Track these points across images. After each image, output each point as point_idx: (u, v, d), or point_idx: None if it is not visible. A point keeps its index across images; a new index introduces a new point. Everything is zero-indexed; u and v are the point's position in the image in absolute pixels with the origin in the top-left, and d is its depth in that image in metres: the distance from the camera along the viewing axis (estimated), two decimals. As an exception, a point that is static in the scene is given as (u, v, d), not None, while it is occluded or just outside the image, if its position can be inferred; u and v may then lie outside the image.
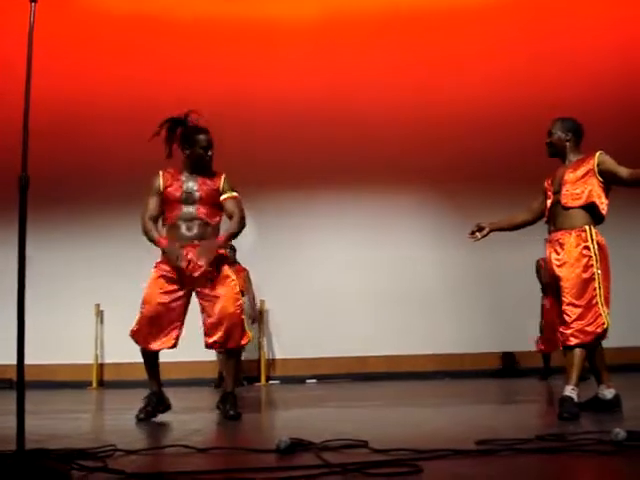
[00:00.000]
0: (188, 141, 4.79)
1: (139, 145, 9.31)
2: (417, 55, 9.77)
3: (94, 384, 9.52)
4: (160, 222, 4.89)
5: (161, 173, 4.83)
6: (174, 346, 4.82)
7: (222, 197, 4.78)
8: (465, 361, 9.31)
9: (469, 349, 9.32)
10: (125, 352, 9.26)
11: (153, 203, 4.80)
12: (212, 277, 4.68)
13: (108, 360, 9.70)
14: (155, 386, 4.92)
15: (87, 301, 9.50)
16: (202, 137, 4.78)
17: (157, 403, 4.90)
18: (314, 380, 9.17)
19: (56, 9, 8.46)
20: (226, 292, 4.69)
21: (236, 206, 4.80)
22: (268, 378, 9.49)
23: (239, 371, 5.68)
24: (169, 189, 4.77)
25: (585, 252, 4.34)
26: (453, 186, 9.62)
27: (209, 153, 4.78)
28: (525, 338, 8.79)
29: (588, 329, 4.26)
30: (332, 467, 2.54)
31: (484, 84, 9.64)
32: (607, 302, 4.31)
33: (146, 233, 4.82)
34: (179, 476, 2.44)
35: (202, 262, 4.60)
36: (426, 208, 9.86)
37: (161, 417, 4.86)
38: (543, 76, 9.52)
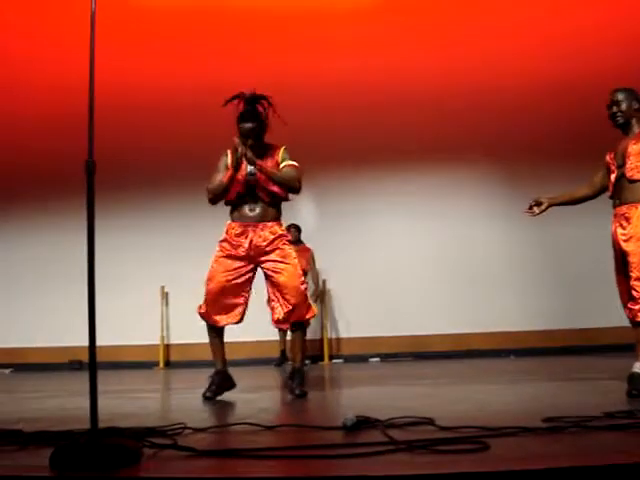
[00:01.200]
0: (237, 117, 4.85)
1: (202, 134, 9.59)
2: (466, 27, 9.61)
3: (161, 364, 9.70)
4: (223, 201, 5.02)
5: (228, 152, 4.90)
6: (240, 321, 4.98)
7: (280, 166, 4.84)
8: (530, 339, 9.20)
9: (535, 326, 9.21)
10: (190, 333, 9.52)
11: (217, 177, 4.91)
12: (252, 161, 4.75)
13: (174, 341, 9.87)
14: (220, 365, 5.04)
15: (153, 284, 9.67)
16: (244, 110, 4.84)
17: (222, 381, 5.00)
18: (377, 359, 9.18)
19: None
20: (289, 267, 4.82)
21: (294, 170, 4.87)
22: (331, 357, 9.53)
23: (306, 347, 5.95)
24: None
25: (653, 225, 4.24)
26: (514, 159, 9.50)
27: (247, 125, 4.79)
28: (597, 314, 8.71)
29: (658, 304, 4.17)
30: (398, 444, 2.56)
31: (536, 56, 9.45)
32: None
33: (214, 187, 4.93)
34: (248, 452, 2.48)
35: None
36: (488, 183, 9.74)
37: (227, 396, 4.94)
38: (589, 48, 9.30)
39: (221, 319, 4.96)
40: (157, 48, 9.73)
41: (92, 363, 2.56)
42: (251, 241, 4.83)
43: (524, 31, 9.51)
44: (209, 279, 4.95)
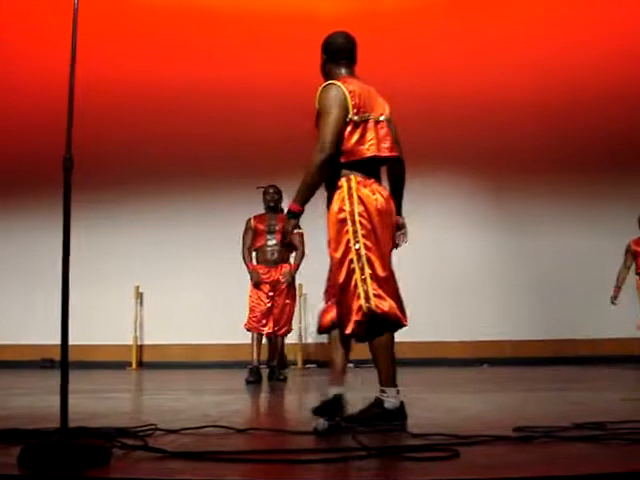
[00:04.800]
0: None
1: (187, 133, 9.58)
2: (473, 37, 9.68)
3: (133, 365, 9.65)
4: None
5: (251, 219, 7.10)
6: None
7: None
8: (505, 348, 9.24)
9: (510, 336, 9.25)
10: (164, 334, 9.51)
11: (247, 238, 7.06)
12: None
13: (147, 342, 9.82)
14: (257, 362, 6.79)
15: (127, 283, 9.61)
16: (268, 192, 7.06)
17: (257, 374, 6.72)
18: (351, 364, 9.16)
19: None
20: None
21: (300, 241, 6.88)
22: (305, 362, 9.54)
23: (284, 354, 6.87)
24: (258, 225, 6.99)
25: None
26: (496, 171, 9.58)
27: (270, 203, 7.05)
28: (572, 325, 8.82)
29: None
30: (370, 450, 2.56)
31: (524, 71, 9.54)
32: None
33: (243, 258, 7.04)
34: (218, 455, 2.47)
35: (283, 280, 6.98)
36: (468, 194, 9.80)
37: (199, 399, 4.92)
38: (583, 64, 9.42)
39: (263, 329, 7.01)
40: (152, 46, 9.77)
41: (64, 362, 2.54)
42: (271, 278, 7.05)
43: (520, 46, 9.59)
44: (251, 305, 7.05)
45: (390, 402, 3.35)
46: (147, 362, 9.74)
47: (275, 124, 9.06)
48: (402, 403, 3.38)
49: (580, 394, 5.33)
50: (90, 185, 8.88)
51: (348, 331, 3.30)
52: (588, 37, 9.48)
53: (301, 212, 3.38)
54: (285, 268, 7.00)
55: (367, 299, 3.31)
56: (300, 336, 9.46)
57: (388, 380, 3.39)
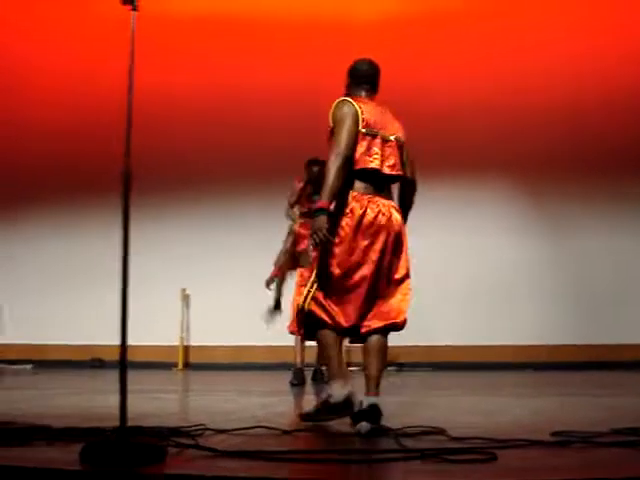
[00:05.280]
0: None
1: (230, 140, 9.78)
2: (496, 43, 9.71)
3: (180, 365, 9.85)
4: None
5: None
6: None
7: None
8: (543, 353, 9.23)
9: (546, 341, 9.24)
10: (209, 335, 9.69)
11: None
12: None
13: (193, 343, 10.01)
14: (300, 364, 6.86)
15: (174, 285, 9.79)
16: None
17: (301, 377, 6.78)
18: (394, 367, 9.26)
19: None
20: None
21: None
22: (347, 364, 9.61)
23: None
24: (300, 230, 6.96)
25: None
26: (530, 176, 9.59)
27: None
28: (610, 330, 8.81)
29: None
30: (410, 452, 2.68)
31: (553, 75, 9.53)
32: None
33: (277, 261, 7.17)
34: (266, 455, 2.61)
35: None
36: (503, 199, 9.79)
37: (247, 399, 5.07)
38: (609, 67, 9.40)
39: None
40: (193, 57, 10.01)
41: (123, 363, 2.70)
42: None
43: (544, 50, 9.59)
44: None
45: (334, 396, 3.55)
46: (193, 363, 9.92)
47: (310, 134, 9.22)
48: (349, 395, 3.53)
49: (617, 399, 5.35)
50: (136, 190, 9.06)
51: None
52: (620, 38, 9.45)
53: (328, 207, 3.52)
54: None
55: (305, 298, 3.61)
56: (342, 339, 9.54)
57: (332, 375, 3.63)
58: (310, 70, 9.47)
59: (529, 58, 9.62)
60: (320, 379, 6.86)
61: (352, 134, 3.56)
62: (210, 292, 9.70)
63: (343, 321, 3.57)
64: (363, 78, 3.85)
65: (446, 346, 9.29)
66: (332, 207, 3.57)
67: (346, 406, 3.51)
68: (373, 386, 3.53)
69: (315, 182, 6.48)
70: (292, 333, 6.72)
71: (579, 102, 9.39)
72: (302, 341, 6.99)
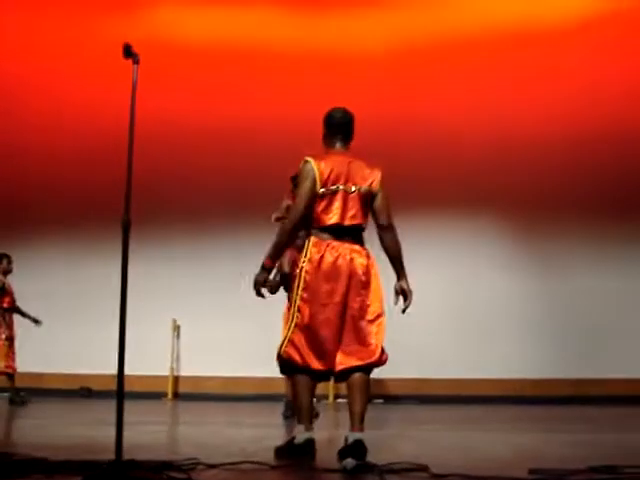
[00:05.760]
0: None
1: (221, 172, 9.94)
2: (492, 75, 9.94)
3: (169, 395, 9.92)
4: None
5: None
6: None
7: None
8: (526, 386, 9.35)
9: (532, 374, 9.35)
10: (199, 366, 9.78)
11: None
12: None
13: (183, 373, 10.09)
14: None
15: (164, 316, 9.89)
16: None
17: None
18: (381, 400, 9.36)
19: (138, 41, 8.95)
20: None
21: None
22: (336, 396, 9.68)
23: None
24: None
25: None
26: (518, 212, 9.77)
27: None
28: (594, 364, 8.97)
29: None
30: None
31: (561, 104, 9.72)
32: None
33: None
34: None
35: None
36: (491, 234, 9.94)
37: (238, 431, 5.18)
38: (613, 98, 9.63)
39: None
40: (197, 87, 10.29)
41: (120, 396, 2.83)
42: None
43: (538, 85, 9.81)
44: None
45: (298, 438, 3.82)
46: (182, 393, 10.00)
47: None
48: (310, 440, 3.80)
49: (598, 435, 5.44)
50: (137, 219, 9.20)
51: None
52: (619, 71, 9.69)
53: (271, 267, 3.93)
54: None
55: (282, 343, 3.87)
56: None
57: (299, 418, 3.88)
58: (310, 101, 9.69)
59: (522, 92, 9.86)
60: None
61: (309, 196, 3.82)
62: (201, 323, 9.80)
63: (315, 364, 3.78)
64: (336, 127, 4.05)
65: (433, 379, 9.40)
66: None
67: (307, 448, 3.77)
68: (357, 422, 3.68)
69: None
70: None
71: (572, 139, 9.59)
72: None
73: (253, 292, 3.86)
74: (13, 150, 10.46)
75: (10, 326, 8.51)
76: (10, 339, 8.46)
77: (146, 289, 9.83)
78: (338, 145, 4.03)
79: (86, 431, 5.41)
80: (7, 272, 8.61)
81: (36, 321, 8.64)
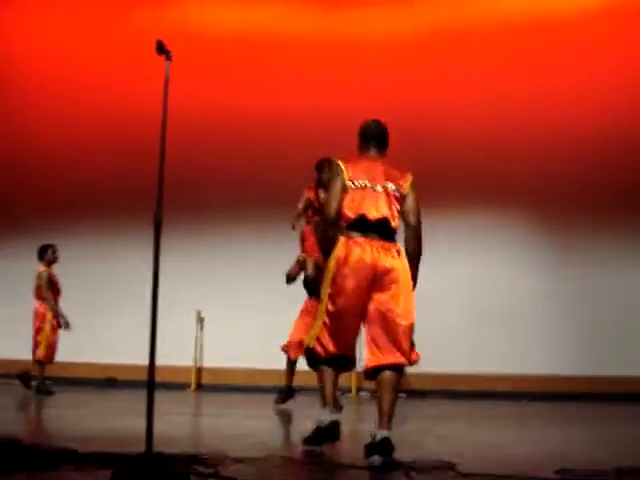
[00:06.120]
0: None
1: (247, 165, 9.99)
2: (498, 68, 9.90)
3: (193, 386, 9.99)
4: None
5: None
6: None
7: None
8: (554, 383, 9.29)
9: (559, 371, 9.30)
10: (222, 358, 9.84)
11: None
12: None
13: (207, 364, 10.16)
14: None
15: (189, 307, 9.95)
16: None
17: None
18: (404, 395, 9.34)
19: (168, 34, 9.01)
20: None
21: None
22: (359, 389, 9.69)
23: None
24: None
25: None
26: (545, 206, 9.72)
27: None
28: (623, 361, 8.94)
29: None
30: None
31: (574, 101, 9.67)
32: None
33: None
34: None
35: None
36: (519, 228, 9.90)
37: (263, 423, 5.22)
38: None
39: None
40: (227, 77, 10.38)
41: (150, 388, 2.86)
42: None
43: (565, 71, 9.75)
44: None
45: (324, 420, 3.98)
46: (206, 384, 10.07)
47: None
48: (335, 422, 3.99)
49: (620, 433, 5.46)
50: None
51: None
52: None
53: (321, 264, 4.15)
54: None
55: (310, 339, 4.05)
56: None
57: (324, 401, 4.02)
58: (340, 90, 9.74)
59: (548, 86, 9.79)
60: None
61: (338, 194, 3.98)
62: (225, 315, 9.85)
63: (333, 349, 3.95)
64: (370, 136, 4.19)
65: (455, 374, 9.39)
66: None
67: (332, 431, 3.97)
68: (385, 420, 3.70)
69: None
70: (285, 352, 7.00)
71: (593, 133, 9.51)
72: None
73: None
74: (49, 143, 10.67)
75: (55, 316, 8.65)
76: (54, 329, 8.61)
77: (172, 280, 9.90)
78: (372, 152, 4.16)
79: (114, 422, 5.46)
80: (52, 262, 8.75)
81: (66, 325, 8.73)
